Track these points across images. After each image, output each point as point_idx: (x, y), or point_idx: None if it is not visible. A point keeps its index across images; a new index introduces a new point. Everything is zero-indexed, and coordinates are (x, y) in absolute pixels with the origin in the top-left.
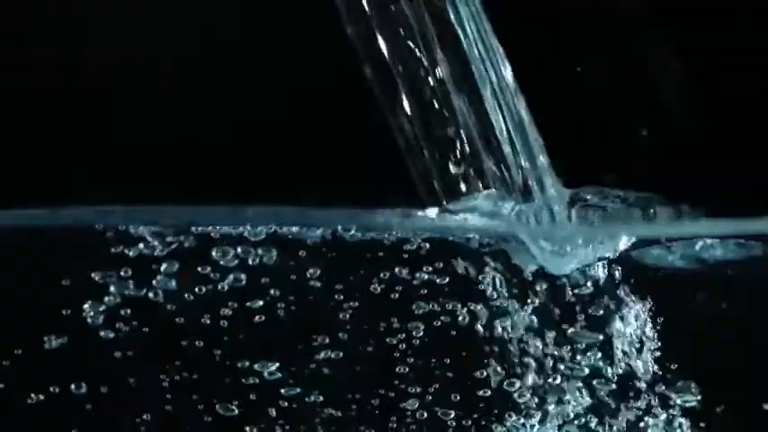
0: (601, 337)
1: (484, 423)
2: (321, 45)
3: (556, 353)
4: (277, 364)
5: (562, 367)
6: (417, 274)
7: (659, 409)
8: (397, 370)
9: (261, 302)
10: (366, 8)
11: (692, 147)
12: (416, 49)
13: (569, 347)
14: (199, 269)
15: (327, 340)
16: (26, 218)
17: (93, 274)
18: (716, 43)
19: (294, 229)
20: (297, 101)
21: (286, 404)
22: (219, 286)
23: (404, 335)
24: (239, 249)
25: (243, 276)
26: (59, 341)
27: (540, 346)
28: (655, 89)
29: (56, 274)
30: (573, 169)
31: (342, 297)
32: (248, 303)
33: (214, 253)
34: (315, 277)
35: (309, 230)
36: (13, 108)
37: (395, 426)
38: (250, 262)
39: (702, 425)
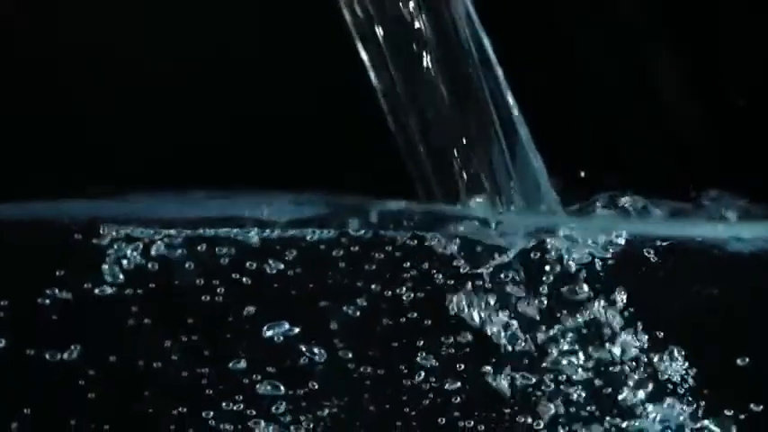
0: (596, 332)
1: (489, 416)
2: (324, 44)
3: (556, 347)
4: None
5: (564, 360)
6: (420, 269)
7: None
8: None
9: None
10: (369, 10)
11: (693, 147)
12: (416, 49)
13: (566, 341)
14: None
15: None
16: (29, 210)
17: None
18: (717, 43)
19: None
20: (298, 100)
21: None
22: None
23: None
24: (247, 246)
25: (252, 273)
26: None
27: (542, 340)
28: (655, 89)
29: (56, 267)
30: (573, 170)
31: (353, 292)
32: (257, 299)
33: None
34: (328, 273)
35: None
36: (12, 107)
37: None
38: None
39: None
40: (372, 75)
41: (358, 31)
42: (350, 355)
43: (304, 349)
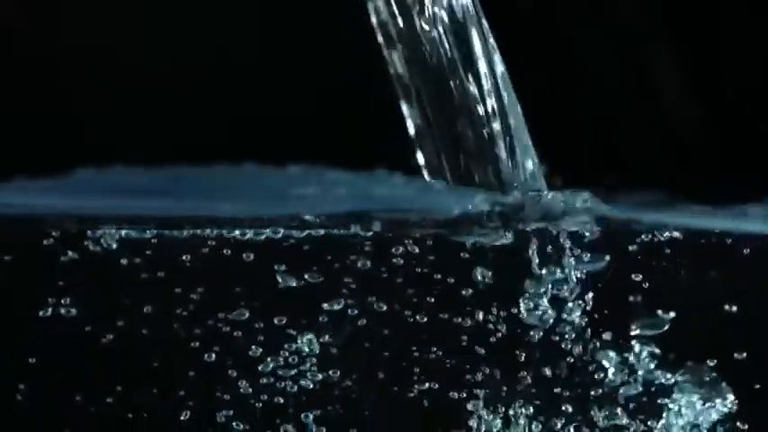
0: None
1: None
2: (324, 44)
3: (561, 339)
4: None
5: (573, 351)
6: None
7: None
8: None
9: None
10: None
11: (693, 147)
12: (423, 49)
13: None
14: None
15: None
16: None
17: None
18: (717, 43)
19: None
20: (298, 100)
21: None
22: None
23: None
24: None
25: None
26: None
27: (547, 330)
28: (655, 89)
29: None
30: (573, 170)
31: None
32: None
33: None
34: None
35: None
36: (12, 107)
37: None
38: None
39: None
40: (391, 65)
41: (383, 33)
42: (350, 356)
43: (306, 350)
